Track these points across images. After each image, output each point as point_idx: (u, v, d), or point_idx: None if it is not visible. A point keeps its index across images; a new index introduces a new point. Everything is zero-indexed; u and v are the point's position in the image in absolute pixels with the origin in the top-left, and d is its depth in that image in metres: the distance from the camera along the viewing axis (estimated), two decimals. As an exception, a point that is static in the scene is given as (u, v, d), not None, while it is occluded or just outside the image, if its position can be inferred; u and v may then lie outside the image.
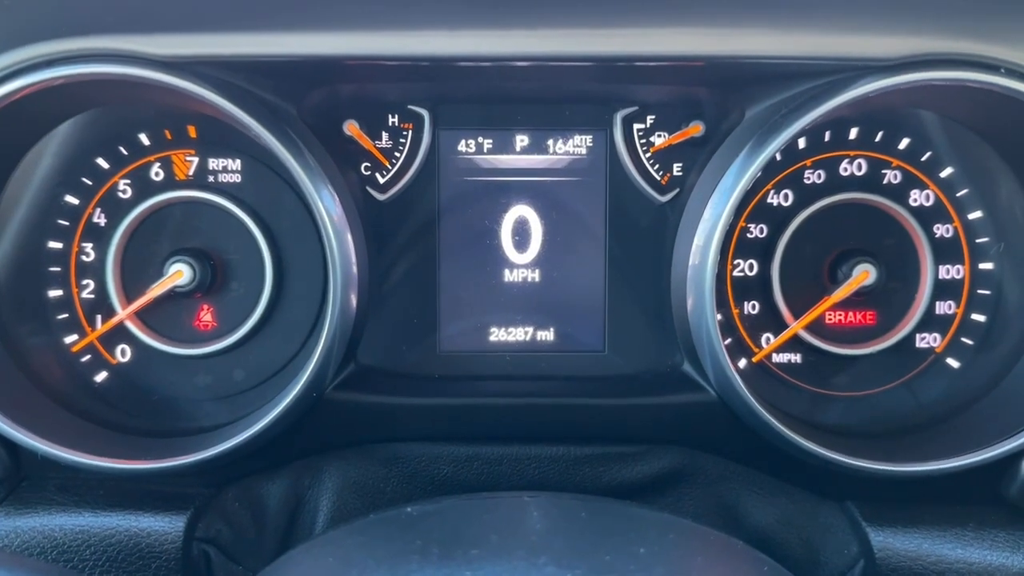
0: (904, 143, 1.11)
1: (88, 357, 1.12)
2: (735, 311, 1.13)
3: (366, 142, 1.13)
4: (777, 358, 1.14)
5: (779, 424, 1.00)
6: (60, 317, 1.12)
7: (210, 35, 0.98)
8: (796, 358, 1.14)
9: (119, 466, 1.00)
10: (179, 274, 1.07)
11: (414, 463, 1.11)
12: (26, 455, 1.03)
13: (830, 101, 0.96)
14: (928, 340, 1.13)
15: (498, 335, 1.17)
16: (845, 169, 1.11)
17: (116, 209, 1.10)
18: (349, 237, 1.02)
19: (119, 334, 1.12)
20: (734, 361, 1.04)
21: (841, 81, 0.98)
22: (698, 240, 1.02)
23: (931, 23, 0.97)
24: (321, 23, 0.98)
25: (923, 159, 1.11)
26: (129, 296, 1.11)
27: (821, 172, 1.11)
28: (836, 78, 0.99)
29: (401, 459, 1.11)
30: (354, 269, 1.02)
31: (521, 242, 1.16)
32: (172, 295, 1.09)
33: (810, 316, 1.09)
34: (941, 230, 1.11)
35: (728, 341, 1.12)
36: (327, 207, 1.00)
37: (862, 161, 1.11)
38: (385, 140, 1.14)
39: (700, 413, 1.10)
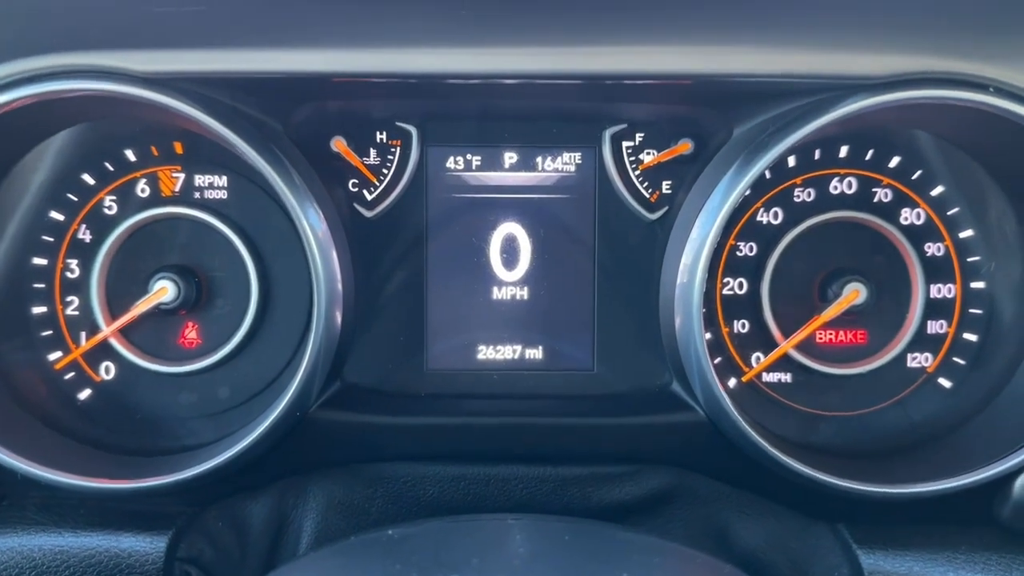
0: (895, 161, 1.10)
1: (72, 374, 1.12)
2: (724, 330, 1.12)
3: (353, 159, 1.13)
4: (767, 377, 1.13)
5: (768, 445, 1.00)
6: (44, 334, 1.11)
7: (195, 51, 0.97)
8: (786, 377, 1.13)
9: (100, 485, 0.99)
10: (164, 291, 1.07)
11: (400, 483, 1.10)
12: (6, 474, 1.02)
13: (818, 119, 0.96)
14: (920, 360, 1.12)
15: (486, 353, 1.16)
16: (835, 187, 1.11)
17: (101, 225, 1.10)
18: (334, 254, 1.01)
19: (103, 351, 1.11)
20: (723, 381, 1.03)
21: (829, 99, 0.97)
22: (686, 258, 1.02)
23: (920, 42, 0.96)
24: (308, 40, 0.97)
25: (914, 177, 1.10)
26: (113, 313, 1.10)
27: (811, 190, 1.11)
28: (824, 96, 0.99)
29: (387, 479, 1.10)
30: (339, 286, 1.02)
31: (509, 259, 1.16)
32: (157, 312, 1.08)
33: (800, 335, 1.08)
34: (932, 249, 1.11)
35: (717, 360, 1.11)
36: (312, 224, 0.99)
37: (852, 179, 1.11)
38: (373, 157, 1.14)
39: (689, 433, 1.09)
